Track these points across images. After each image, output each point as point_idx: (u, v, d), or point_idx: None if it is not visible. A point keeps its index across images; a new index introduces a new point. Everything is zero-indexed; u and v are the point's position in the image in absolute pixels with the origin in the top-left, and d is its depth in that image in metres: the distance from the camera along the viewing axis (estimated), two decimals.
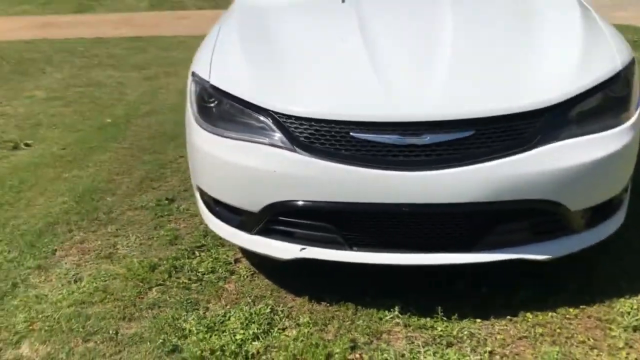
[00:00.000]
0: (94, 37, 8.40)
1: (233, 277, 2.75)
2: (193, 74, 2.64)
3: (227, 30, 2.87)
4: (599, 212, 2.38)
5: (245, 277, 2.74)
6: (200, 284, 2.70)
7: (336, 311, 2.48)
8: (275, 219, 2.37)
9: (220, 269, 2.79)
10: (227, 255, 2.87)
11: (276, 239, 2.40)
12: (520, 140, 2.17)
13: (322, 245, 2.35)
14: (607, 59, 2.42)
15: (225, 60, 2.61)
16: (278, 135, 2.28)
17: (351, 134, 2.20)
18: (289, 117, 2.27)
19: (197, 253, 2.93)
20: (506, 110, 2.16)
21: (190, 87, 2.63)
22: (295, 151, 2.24)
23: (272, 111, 2.30)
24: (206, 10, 10.17)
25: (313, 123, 2.24)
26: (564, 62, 2.37)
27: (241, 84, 2.43)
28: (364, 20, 2.71)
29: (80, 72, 6.60)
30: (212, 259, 2.86)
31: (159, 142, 4.44)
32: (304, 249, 2.36)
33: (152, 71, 6.58)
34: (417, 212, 2.21)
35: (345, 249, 2.33)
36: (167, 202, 3.45)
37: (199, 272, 2.77)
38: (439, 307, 2.40)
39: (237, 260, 2.85)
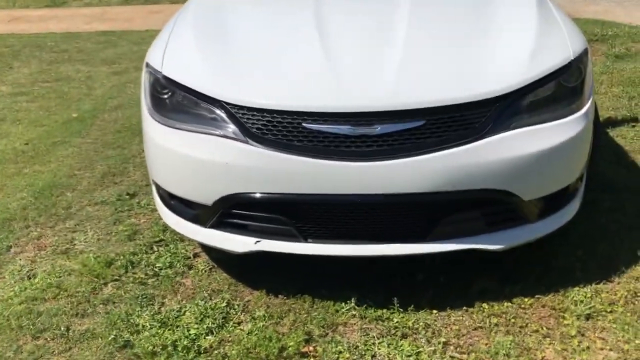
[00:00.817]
0: (64, 31, 8.27)
1: (191, 271, 2.72)
2: (147, 64, 2.60)
3: (183, 21, 2.83)
4: (553, 202, 2.39)
5: (203, 271, 2.71)
6: (157, 279, 2.66)
7: (293, 304, 2.46)
8: (229, 212, 2.34)
9: (178, 264, 2.76)
10: (186, 250, 2.84)
11: (231, 232, 2.38)
12: (471, 130, 2.17)
13: (277, 237, 2.33)
14: (559, 49, 2.42)
15: (178, 51, 2.57)
16: (230, 127, 2.25)
17: (303, 124, 2.18)
18: (241, 108, 2.24)
19: (155, 248, 2.89)
20: (456, 100, 2.15)
21: (144, 79, 2.59)
22: (247, 143, 2.21)
23: (224, 102, 2.27)
24: (180, 4, 10.03)
25: (265, 114, 2.21)
26: (516, 52, 2.36)
27: (193, 75, 2.40)
28: (320, 9, 2.69)
29: (49, 67, 6.49)
30: (170, 254, 2.82)
31: (124, 137, 4.38)
32: (258, 241, 2.34)
33: (123, 66, 6.49)
34: (369, 203, 2.19)
35: (299, 241, 2.31)
36: (128, 197, 3.40)
37: (156, 267, 2.74)
38: (396, 299, 2.40)
39: (196, 255, 2.82)
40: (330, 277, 2.54)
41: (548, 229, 2.40)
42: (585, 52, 2.49)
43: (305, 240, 2.31)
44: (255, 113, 2.22)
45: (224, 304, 2.47)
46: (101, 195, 3.45)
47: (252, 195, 2.24)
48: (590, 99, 2.45)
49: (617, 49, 5.88)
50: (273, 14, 2.83)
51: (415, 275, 2.56)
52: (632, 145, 3.76)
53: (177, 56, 2.54)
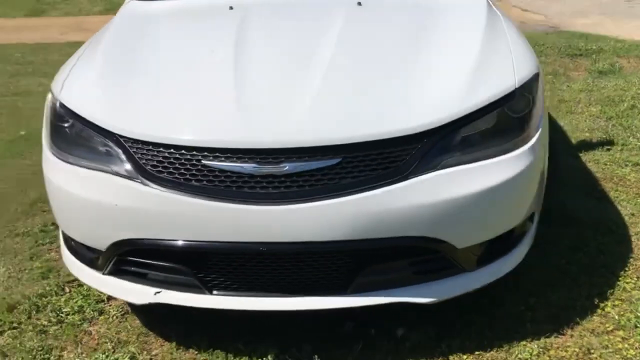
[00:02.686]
0: (36, 42, 8.02)
1: (101, 317, 2.44)
2: (50, 89, 2.35)
3: (95, 41, 2.57)
4: (494, 248, 2.11)
5: (114, 317, 2.44)
6: (60, 327, 2.39)
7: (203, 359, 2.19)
8: (125, 258, 2.07)
9: (88, 309, 2.49)
10: (101, 293, 2.57)
11: (129, 280, 2.11)
12: (393, 170, 1.90)
13: (179, 288, 2.06)
14: (502, 76, 2.15)
15: (81, 76, 2.30)
16: (124, 164, 1.99)
17: (203, 162, 1.91)
18: (135, 141, 1.98)
19: (67, 289, 2.62)
20: (375, 136, 1.89)
21: (45, 105, 2.33)
22: (140, 181, 1.95)
23: (118, 135, 2.01)
24: None
25: (161, 149, 1.95)
26: (451, 81, 2.09)
27: (90, 103, 2.13)
28: (244, 33, 2.41)
29: (9, 80, 6.22)
30: (82, 297, 2.55)
31: None
32: (158, 292, 2.07)
33: None
34: (277, 252, 1.93)
35: (203, 293, 2.04)
36: (52, 227, 3.13)
37: (62, 313, 2.47)
38: (318, 356, 2.13)
39: (110, 298, 2.54)
40: (250, 326, 2.27)
41: (489, 278, 2.13)
42: (534, 79, 2.23)
43: (210, 292, 2.04)
44: (150, 148, 1.96)
45: (127, 359, 2.20)
46: (25, 225, 3.19)
47: (145, 241, 1.97)
48: (540, 130, 2.17)
49: (601, 64, 5.60)
50: (192, 38, 2.54)
51: (343, 324, 2.29)
52: (605, 172, 3.48)
53: (78, 82, 2.27)
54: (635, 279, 2.51)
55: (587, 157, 3.69)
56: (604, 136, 3.99)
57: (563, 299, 2.40)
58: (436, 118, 1.94)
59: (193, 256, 2.00)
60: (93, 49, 2.49)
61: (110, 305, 2.51)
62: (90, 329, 2.39)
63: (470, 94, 2.04)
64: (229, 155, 1.89)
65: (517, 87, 2.12)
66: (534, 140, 2.12)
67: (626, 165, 3.52)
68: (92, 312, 2.47)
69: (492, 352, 2.16)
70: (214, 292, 2.04)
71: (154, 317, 2.39)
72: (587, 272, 2.56)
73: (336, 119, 1.94)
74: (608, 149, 3.77)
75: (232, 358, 2.18)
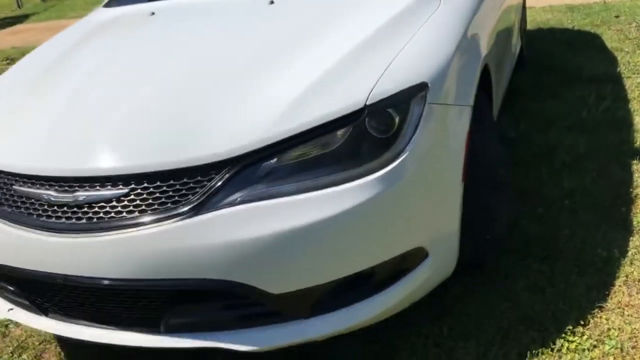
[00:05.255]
0: None
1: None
2: None
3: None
4: (337, 294, 1.80)
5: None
6: None
7: None
8: None
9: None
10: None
11: None
12: (185, 204, 1.69)
13: (24, 308, 2.07)
14: (353, 89, 1.79)
15: None
16: None
17: (14, 187, 1.88)
18: None
19: None
20: (160, 166, 1.69)
21: None
22: None
23: None
24: None
25: None
26: (283, 97, 1.79)
27: None
28: (124, 47, 2.34)
29: None
30: None
31: None
32: (11, 309, 2.09)
33: None
34: (77, 285, 1.82)
35: (40, 315, 2.02)
36: None
37: None
38: None
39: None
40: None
41: (330, 329, 1.81)
42: (411, 92, 1.83)
43: (46, 314, 2.01)
44: None
45: None
46: None
47: None
48: (404, 156, 1.78)
49: None
50: (74, 61, 2.46)
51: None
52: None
53: None
54: None
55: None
56: None
57: None
58: (237, 145, 1.69)
59: (17, 280, 1.98)
60: None
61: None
62: None
63: (298, 112, 1.74)
64: (33, 181, 1.84)
65: (369, 103, 1.76)
66: (390, 167, 1.74)
67: None
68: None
69: None
70: (49, 315, 2.01)
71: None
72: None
73: (128, 146, 1.77)
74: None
75: None
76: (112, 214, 1.73)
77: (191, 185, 1.69)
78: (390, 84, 1.81)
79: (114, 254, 1.72)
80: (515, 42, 4.17)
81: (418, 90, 1.84)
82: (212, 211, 1.67)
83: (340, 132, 1.75)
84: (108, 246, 1.72)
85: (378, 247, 1.79)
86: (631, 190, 2.86)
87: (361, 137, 1.76)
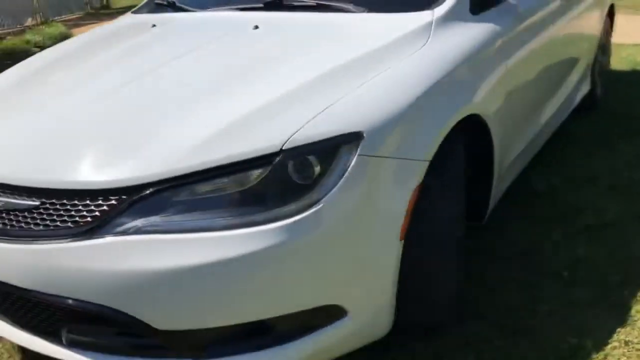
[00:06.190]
0: None
1: None
2: None
3: None
4: (224, 342, 1.72)
5: None
6: None
7: None
8: None
9: None
10: None
11: None
12: (79, 226, 1.69)
13: None
14: (272, 132, 1.71)
15: None
16: None
17: None
18: None
19: None
20: (64, 185, 1.72)
21: None
22: None
23: None
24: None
25: None
26: (196, 131, 1.75)
27: None
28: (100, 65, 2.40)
29: None
30: None
31: None
32: None
33: None
34: None
35: None
36: None
37: None
38: None
39: None
40: None
41: None
42: (340, 141, 1.72)
43: None
44: None
45: None
46: None
47: None
48: (320, 206, 1.67)
49: None
50: (57, 69, 2.53)
51: None
52: None
53: None
54: None
55: None
56: None
57: None
58: (141, 175, 1.66)
59: None
60: None
61: None
62: None
63: (211, 148, 1.69)
64: None
65: (285, 148, 1.67)
66: (298, 217, 1.64)
67: None
68: None
69: None
70: None
71: None
72: None
73: (42, 159, 1.82)
74: None
75: None
76: (22, 224, 1.77)
77: (92, 207, 1.69)
78: (317, 130, 1.71)
79: (18, 262, 1.76)
80: (576, 85, 3.83)
81: (349, 140, 1.72)
82: (104, 237, 1.66)
83: (255, 173, 1.67)
84: (14, 254, 1.77)
85: (275, 300, 1.70)
86: None
87: (278, 182, 1.68)
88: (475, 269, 2.60)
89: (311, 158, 1.69)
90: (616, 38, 6.44)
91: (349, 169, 1.71)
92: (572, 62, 3.63)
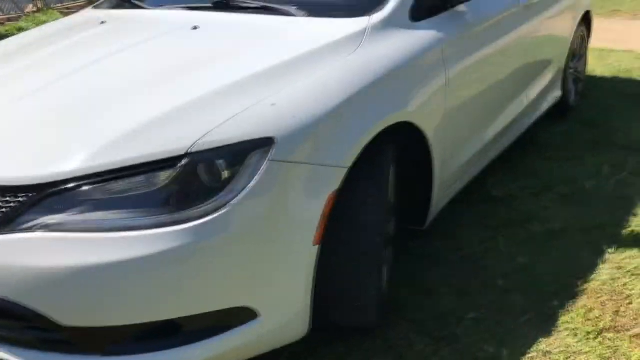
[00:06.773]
0: None
1: None
2: None
3: None
4: (132, 340, 1.74)
5: None
6: None
7: None
8: None
9: None
10: None
11: None
12: None
13: None
14: (180, 134, 1.73)
15: None
16: None
17: None
18: None
19: None
20: None
21: None
22: None
23: None
24: None
25: None
26: (114, 131, 1.77)
27: None
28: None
29: None
30: None
31: None
32: None
33: None
34: None
35: None
36: None
37: None
38: None
39: None
40: None
41: None
42: (250, 147, 1.74)
43: None
44: None
45: None
46: None
47: None
48: (227, 209, 1.68)
49: None
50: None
51: None
52: None
53: None
54: None
55: None
56: None
57: None
58: (46, 173, 1.69)
59: None
60: None
61: None
62: None
63: (119, 148, 1.72)
64: None
65: (192, 151, 1.70)
66: (203, 220, 1.67)
67: None
68: None
69: None
70: None
71: None
72: None
73: None
74: None
75: None
76: None
77: (0, 204, 1.72)
78: (225, 135, 1.74)
79: None
80: (542, 91, 3.82)
81: (259, 145, 1.75)
82: (9, 233, 1.69)
83: (163, 175, 1.70)
84: None
85: (182, 301, 1.72)
86: (587, 283, 2.53)
87: (186, 184, 1.71)
88: (415, 273, 2.63)
89: (219, 162, 1.71)
90: (609, 44, 6.43)
91: (259, 174, 1.73)
92: (536, 69, 3.62)
